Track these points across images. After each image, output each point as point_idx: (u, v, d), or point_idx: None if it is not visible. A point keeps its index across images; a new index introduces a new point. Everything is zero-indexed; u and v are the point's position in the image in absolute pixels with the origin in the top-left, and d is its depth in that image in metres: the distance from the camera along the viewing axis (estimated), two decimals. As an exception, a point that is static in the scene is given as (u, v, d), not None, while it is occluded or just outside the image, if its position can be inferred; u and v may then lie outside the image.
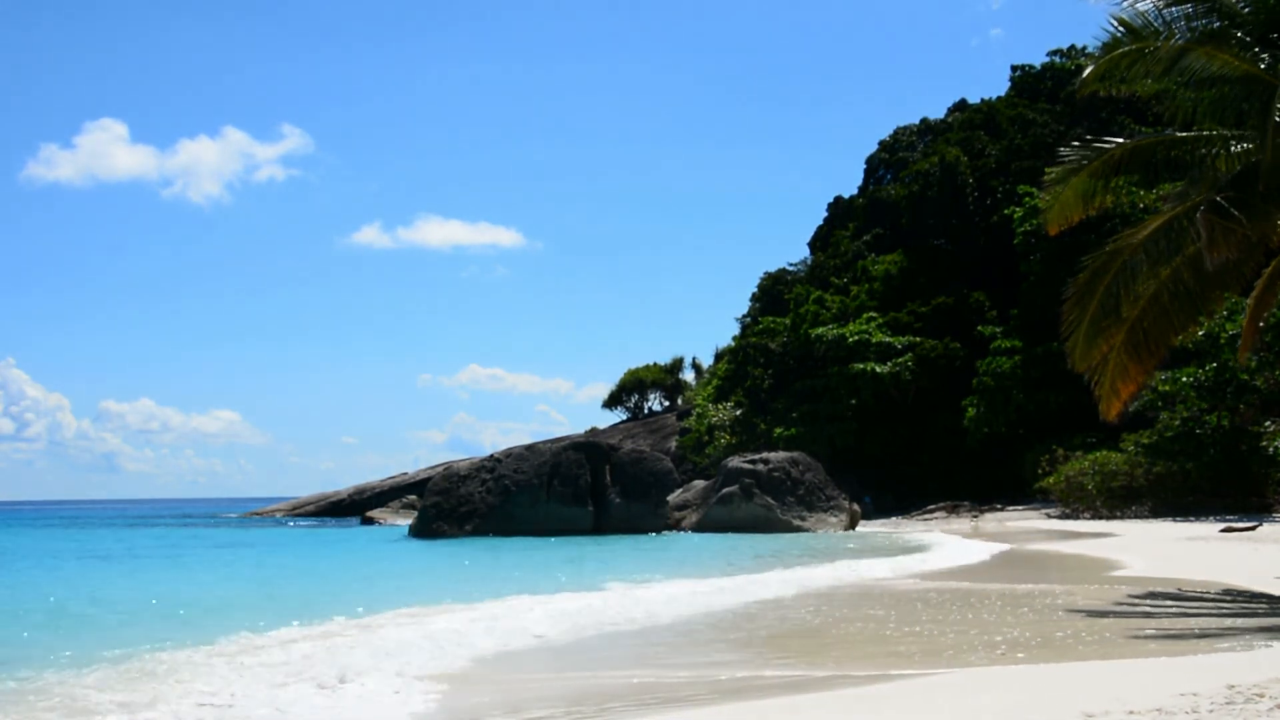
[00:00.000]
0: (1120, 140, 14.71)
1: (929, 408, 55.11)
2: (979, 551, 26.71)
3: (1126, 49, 13.61)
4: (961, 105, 75.33)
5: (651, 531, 39.11)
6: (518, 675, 10.47)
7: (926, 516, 48.69)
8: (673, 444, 68.16)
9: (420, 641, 12.15)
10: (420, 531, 38.69)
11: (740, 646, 12.02)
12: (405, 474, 75.24)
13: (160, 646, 12.05)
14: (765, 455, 43.66)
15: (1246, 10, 13.39)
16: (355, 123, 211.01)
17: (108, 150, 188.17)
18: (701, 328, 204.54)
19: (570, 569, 23.99)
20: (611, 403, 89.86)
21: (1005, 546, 28.10)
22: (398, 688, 9.59)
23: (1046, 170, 15.49)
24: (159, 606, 17.20)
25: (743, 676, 9.92)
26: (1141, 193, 37.43)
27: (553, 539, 36.01)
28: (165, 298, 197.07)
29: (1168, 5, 13.45)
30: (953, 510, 48.81)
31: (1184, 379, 37.94)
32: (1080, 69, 14.48)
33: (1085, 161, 14.31)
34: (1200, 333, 33.10)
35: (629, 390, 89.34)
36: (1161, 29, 13.49)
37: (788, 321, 62.99)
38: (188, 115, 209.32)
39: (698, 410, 67.96)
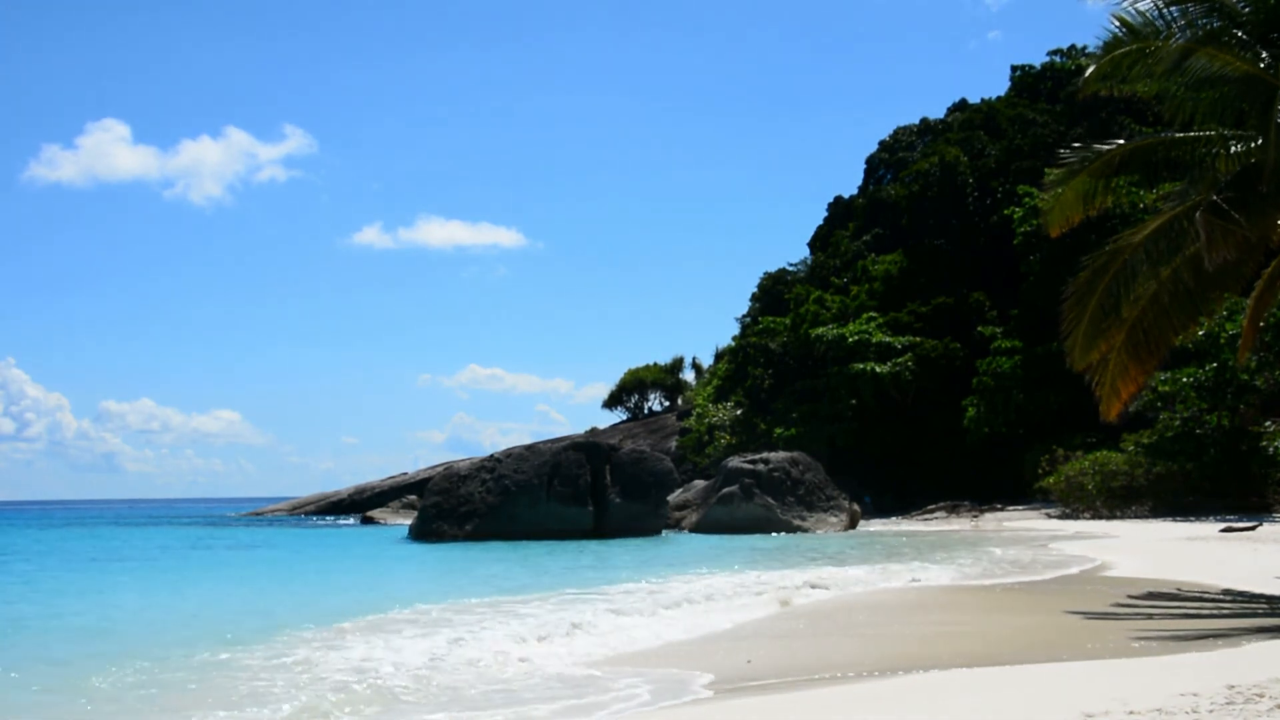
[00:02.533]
0: (1120, 141, 14.73)
1: (929, 408, 55.08)
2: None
3: (1127, 49, 13.62)
4: (961, 105, 75.33)
5: (652, 533, 39.02)
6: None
7: (927, 516, 48.68)
8: (673, 444, 68.15)
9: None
10: (420, 531, 38.67)
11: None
12: (405, 474, 75.26)
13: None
14: (765, 455, 43.64)
15: (1246, 10, 13.39)
16: (357, 123, 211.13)
17: (110, 151, 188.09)
18: (701, 328, 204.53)
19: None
20: (612, 403, 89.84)
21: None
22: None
23: (1047, 171, 15.51)
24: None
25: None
26: (1141, 193, 37.48)
27: (600, 542, 35.58)
28: (166, 298, 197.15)
29: (1168, 5, 13.45)
30: (953, 510, 48.79)
31: (1184, 379, 37.93)
32: (1080, 69, 14.55)
33: (1085, 162, 14.31)
34: (1200, 333, 33.06)
35: (629, 390, 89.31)
36: (1162, 28, 13.50)
37: (788, 321, 62.98)
38: (190, 115, 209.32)
39: (698, 410, 67.96)
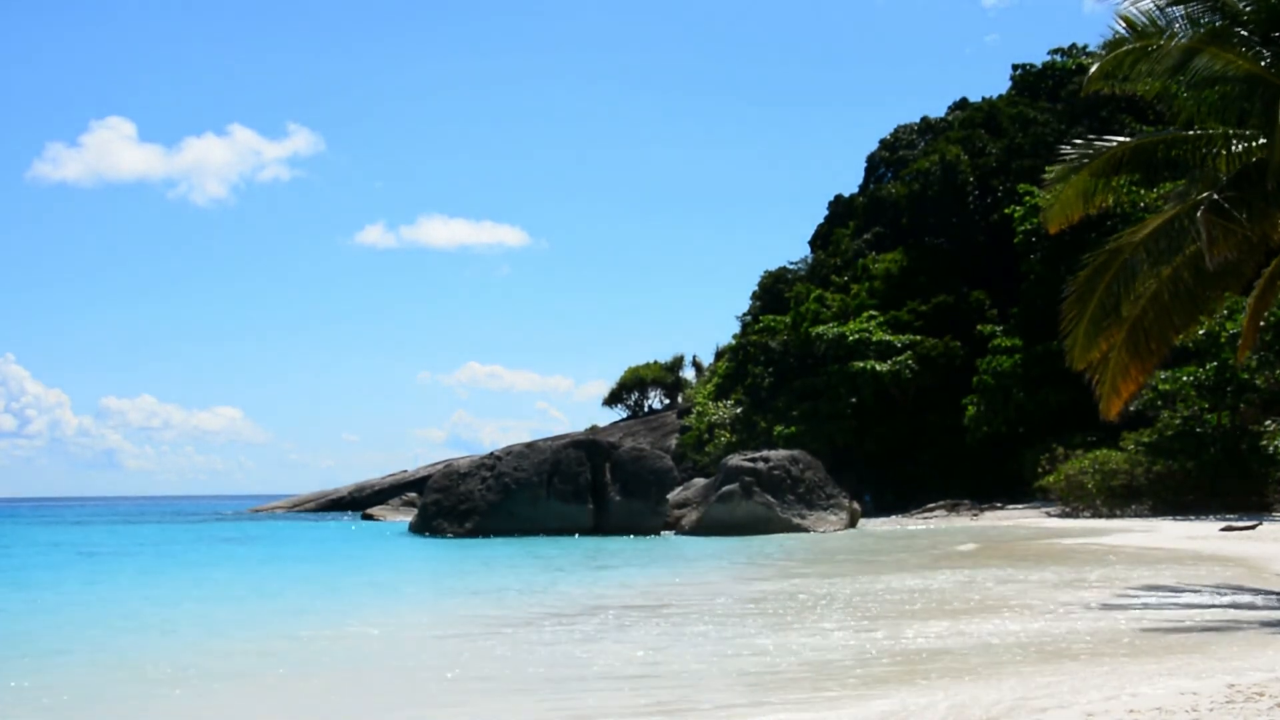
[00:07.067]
0: (1121, 139, 14.70)
1: (929, 406, 55.05)
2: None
3: (1130, 47, 13.61)
4: (962, 104, 75.16)
5: (651, 532, 38.93)
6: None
7: (926, 515, 48.66)
8: (673, 442, 68.13)
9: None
10: (420, 528, 38.77)
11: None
12: (405, 471, 75.36)
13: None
14: (765, 453, 43.54)
15: (1249, 9, 13.38)
16: (361, 121, 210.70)
17: (114, 149, 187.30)
18: (702, 326, 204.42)
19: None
20: (612, 400, 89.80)
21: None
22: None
23: (1047, 169, 15.49)
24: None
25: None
26: (1142, 192, 37.42)
27: (628, 540, 35.29)
28: (167, 295, 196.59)
29: (1170, 4, 13.44)
30: (952, 509, 48.77)
31: (1184, 378, 37.91)
32: (1082, 68, 14.57)
33: (1086, 160, 14.30)
34: (1200, 332, 33.07)
35: (629, 388, 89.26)
36: (1164, 27, 13.49)
37: (788, 320, 62.93)
38: (195, 113, 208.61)
39: (698, 408, 67.94)
